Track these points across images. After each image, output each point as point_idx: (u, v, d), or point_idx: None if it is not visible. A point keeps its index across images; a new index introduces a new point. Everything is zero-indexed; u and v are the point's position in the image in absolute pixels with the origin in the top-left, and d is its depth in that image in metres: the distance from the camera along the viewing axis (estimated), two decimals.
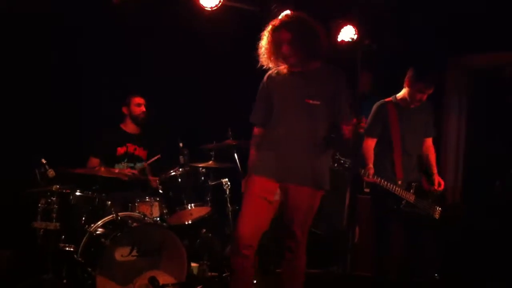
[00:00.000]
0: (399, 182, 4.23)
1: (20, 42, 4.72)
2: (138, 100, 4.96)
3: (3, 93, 4.70)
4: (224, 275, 4.64)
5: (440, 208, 4.31)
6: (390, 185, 4.18)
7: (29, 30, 4.74)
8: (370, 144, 4.35)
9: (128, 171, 4.70)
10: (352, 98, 5.66)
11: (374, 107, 4.43)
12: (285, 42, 3.47)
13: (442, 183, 4.40)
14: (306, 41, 3.46)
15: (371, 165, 4.25)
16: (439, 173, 4.51)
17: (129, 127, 4.98)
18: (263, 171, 3.54)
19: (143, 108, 4.95)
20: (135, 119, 4.95)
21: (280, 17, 3.71)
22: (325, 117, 3.51)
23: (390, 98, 4.40)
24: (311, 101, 3.48)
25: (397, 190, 4.19)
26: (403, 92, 4.36)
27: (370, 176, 4.16)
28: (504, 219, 4.98)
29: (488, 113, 5.62)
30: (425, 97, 4.26)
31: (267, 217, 3.53)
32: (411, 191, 4.24)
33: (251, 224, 3.46)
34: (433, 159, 4.48)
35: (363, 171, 4.19)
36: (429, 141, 4.49)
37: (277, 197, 3.53)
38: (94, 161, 4.77)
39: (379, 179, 4.17)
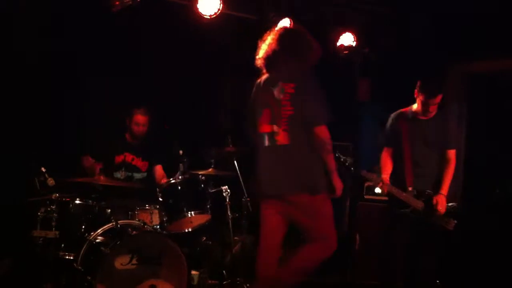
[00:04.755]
0: (410, 189, 4.25)
1: (19, 43, 4.71)
2: (139, 119, 4.89)
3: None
4: (224, 282, 4.63)
5: (455, 221, 4.22)
6: (399, 192, 4.22)
7: (28, 32, 4.73)
8: (385, 153, 4.47)
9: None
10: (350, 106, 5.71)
11: (390, 117, 4.49)
12: None
13: (441, 204, 4.20)
14: None
15: (385, 175, 4.34)
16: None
17: (130, 137, 4.99)
18: None
19: (141, 128, 4.90)
20: (132, 135, 4.95)
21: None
22: None
23: (407, 109, 4.43)
24: None
25: (405, 197, 4.22)
26: (416, 103, 4.38)
27: (382, 187, 4.28)
28: (504, 224, 4.98)
29: (487, 119, 5.62)
30: (431, 107, 4.25)
31: None
32: (422, 199, 4.24)
33: None
34: (446, 175, 4.28)
35: (368, 175, 4.28)
36: (448, 154, 4.31)
37: None
38: (90, 160, 4.72)
39: (390, 187, 4.24)
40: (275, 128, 3.51)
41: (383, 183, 4.27)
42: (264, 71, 3.67)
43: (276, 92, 3.53)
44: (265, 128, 3.57)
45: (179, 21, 5.12)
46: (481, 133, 5.61)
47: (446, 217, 4.21)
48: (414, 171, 4.26)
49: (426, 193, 4.24)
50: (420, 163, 4.27)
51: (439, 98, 4.23)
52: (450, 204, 4.24)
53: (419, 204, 4.22)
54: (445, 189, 4.24)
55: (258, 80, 3.70)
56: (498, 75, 5.61)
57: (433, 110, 4.28)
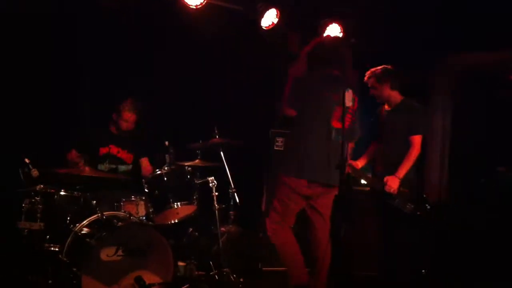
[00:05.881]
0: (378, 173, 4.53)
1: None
2: (128, 116, 4.85)
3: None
4: (211, 273, 4.63)
5: (412, 206, 4.37)
6: (362, 174, 4.59)
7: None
8: (371, 146, 4.74)
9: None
10: None
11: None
12: None
13: (390, 184, 4.34)
14: None
15: (357, 161, 4.63)
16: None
17: (116, 130, 4.95)
18: None
19: (129, 125, 4.88)
20: (119, 130, 4.91)
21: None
22: None
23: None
24: None
25: (366, 178, 4.60)
26: None
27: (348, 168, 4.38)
28: (491, 216, 5.02)
29: (474, 112, 5.65)
30: (371, 91, 4.55)
31: None
32: (381, 182, 4.41)
33: None
34: (404, 159, 4.39)
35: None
36: (411, 139, 4.43)
37: None
38: (74, 153, 4.70)
39: (354, 169, 4.53)
40: (341, 127, 3.83)
41: (348, 165, 4.36)
42: (317, 65, 3.98)
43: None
44: (336, 123, 3.92)
45: (164, 14, 5.09)
46: (467, 126, 5.64)
47: (406, 201, 4.36)
48: (384, 158, 4.53)
49: (383, 177, 4.42)
50: (390, 151, 4.51)
51: (369, 81, 4.55)
52: (403, 190, 4.38)
53: (378, 186, 4.42)
54: (400, 172, 4.38)
55: (323, 73, 3.98)
56: (484, 67, 5.64)
57: (373, 92, 4.55)
